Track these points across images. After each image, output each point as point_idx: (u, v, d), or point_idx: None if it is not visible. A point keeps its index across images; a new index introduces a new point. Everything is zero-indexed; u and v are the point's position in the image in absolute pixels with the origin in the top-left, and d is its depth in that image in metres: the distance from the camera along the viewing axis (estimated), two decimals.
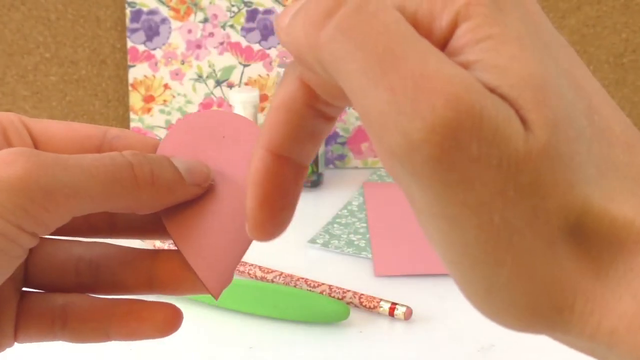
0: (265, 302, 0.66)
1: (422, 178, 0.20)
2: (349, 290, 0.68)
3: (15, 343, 0.31)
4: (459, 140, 0.19)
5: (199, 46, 1.01)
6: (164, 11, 1.00)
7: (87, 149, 0.32)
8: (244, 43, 1.01)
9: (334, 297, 0.67)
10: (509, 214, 0.20)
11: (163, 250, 0.33)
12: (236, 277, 0.72)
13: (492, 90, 0.20)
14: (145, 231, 0.34)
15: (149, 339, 0.32)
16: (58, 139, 0.33)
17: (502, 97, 0.20)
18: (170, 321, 0.32)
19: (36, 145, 0.32)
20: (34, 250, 0.32)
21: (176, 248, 0.32)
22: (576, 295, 0.21)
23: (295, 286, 0.69)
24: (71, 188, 0.27)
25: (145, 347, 0.62)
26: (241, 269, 0.73)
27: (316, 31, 0.21)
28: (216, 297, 0.32)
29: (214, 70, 1.02)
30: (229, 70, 1.02)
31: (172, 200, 0.31)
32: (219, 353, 0.62)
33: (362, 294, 0.67)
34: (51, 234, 0.31)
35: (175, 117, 1.02)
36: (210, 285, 0.31)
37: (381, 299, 0.67)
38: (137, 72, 1.01)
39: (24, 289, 0.32)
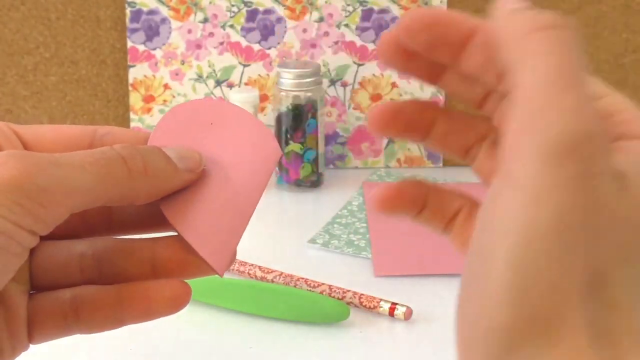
0: (265, 302, 0.66)
1: None
2: (349, 290, 0.68)
3: (30, 345, 0.32)
4: None
5: (199, 46, 1.01)
6: (164, 11, 1.00)
7: (77, 149, 0.33)
8: (244, 43, 1.01)
9: (334, 297, 0.67)
10: None
11: (163, 237, 0.33)
12: (236, 277, 0.72)
13: None
14: (142, 226, 0.34)
15: (162, 317, 0.33)
16: (48, 142, 0.33)
17: None
18: (179, 297, 0.32)
19: (27, 149, 0.32)
20: (37, 253, 0.33)
21: (175, 234, 0.33)
22: None
23: (295, 286, 0.69)
24: (66, 184, 0.28)
25: (145, 347, 0.62)
26: (241, 269, 0.73)
27: (532, 29, 0.25)
28: (221, 274, 0.33)
29: (214, 70, 1.02)
30: (229, 70, 1.02)
31: (167, 188, 0.32)
32: (219, 353, 0.62)
33: (362, 294, 0.67)
34: (51, 237, 0.31)
35: None
36: (215, 264, 0.32)
37: (381, 299, 0.67)
38: (137, 72, 1.01)
39: (30, 292, 0.33)
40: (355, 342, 0.63)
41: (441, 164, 1.04)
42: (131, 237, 0.34)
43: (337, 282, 0.70)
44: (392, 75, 1.02)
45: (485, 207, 0.24)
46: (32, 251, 0.31)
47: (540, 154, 0.22)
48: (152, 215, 0.33)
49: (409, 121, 0.31)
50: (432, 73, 0.31)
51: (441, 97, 1.00)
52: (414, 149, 1.03)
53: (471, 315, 0.23)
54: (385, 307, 0.66)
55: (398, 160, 1.03)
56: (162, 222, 0.33)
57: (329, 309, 0.64)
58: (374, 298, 0.67)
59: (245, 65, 1.02)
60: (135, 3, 0.99)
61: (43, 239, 0.29)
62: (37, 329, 0.31)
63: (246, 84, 1.02)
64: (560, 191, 0.22)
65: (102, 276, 0.33)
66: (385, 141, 1.03)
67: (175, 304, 0.32)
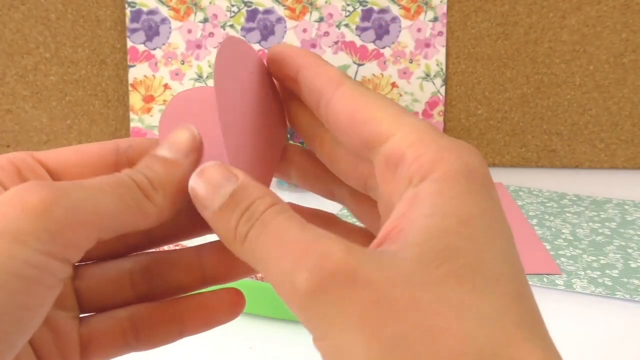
0: (265, 302, 0.66)
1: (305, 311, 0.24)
2: None
3: None
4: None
5: (199, 46, 1.01)
6: (164, 11, 1.00)
7: (104, 169, 0.32)
8: None
9: None
10: None
11: (207, 243, 0.33)
12: None
13: None
14: (182, 234, 0.34)
15: (220, 325, 0.33)
16: (72, 167, 0.32)
17: None
18: (237, 303, 0.33)
19: (53, 178, 0.32)
20: (84, 276, 0.32)
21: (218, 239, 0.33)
22: None
23: None
24: (91, 204, 0.27)
25: None
26: None
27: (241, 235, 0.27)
28: None
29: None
30: None
31: (181, 187, 0.30)
32: (219, 353, 0.62)
33: None
34: (95, 258, 0.31)
35: None
36: None
37: None
38: (137, 72, 1.01)
39: (82, 315, 0.32)
40: None
41: None
42: (175, 248, 0.34)
43: None
44: (392, 75, 1.02)
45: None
46: (79, 275, 0.31)
47: None
48: (187, 222, 0.33)
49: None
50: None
51: (441, 97, 1.00)
52: None
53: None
54: None
55: None
56: (199, 227, 0.32)
57: None
58: None
59: None
60: (135, 3, 0.99)
61: (88, 261, 0.29)
62: (94, 350, 0.31)
63: None
64: None
65: (154, 290, 0.33)
66: None
67: (234, 312, 0.33)
